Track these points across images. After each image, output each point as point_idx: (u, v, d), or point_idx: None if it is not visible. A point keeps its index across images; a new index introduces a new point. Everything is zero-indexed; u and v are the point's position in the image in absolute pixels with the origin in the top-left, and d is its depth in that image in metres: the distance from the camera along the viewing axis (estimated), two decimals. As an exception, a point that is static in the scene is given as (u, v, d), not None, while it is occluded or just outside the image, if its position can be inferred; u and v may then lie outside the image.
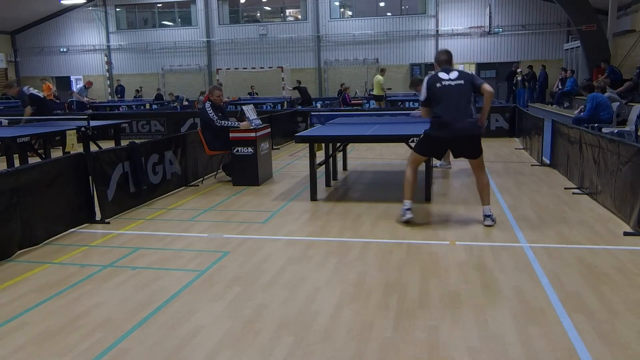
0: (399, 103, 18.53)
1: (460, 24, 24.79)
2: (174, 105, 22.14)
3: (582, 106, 11.33)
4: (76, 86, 22.75)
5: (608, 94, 10.23)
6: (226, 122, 7.79)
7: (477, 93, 5.32)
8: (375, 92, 18.10)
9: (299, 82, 22.11)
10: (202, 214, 6.24)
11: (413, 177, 5.53)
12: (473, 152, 5.38)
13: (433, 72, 5.49)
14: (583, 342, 3.03)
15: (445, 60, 5.44)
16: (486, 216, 5.43)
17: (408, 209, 5.49)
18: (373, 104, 19.12)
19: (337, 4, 26.64)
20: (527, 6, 24.15)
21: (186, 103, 22.29)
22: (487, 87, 5.25)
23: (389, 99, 18.62)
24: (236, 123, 7.86)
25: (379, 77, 17.97)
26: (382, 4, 26.29)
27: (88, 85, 21.03)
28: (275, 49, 26.80)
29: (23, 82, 29.79)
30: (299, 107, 18.15)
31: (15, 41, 29.83)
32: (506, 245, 4.82)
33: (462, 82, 5.25)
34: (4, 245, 4.69)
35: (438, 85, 5.26)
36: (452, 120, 5.16)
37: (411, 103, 17.55)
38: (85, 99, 19.97)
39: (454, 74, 5.31)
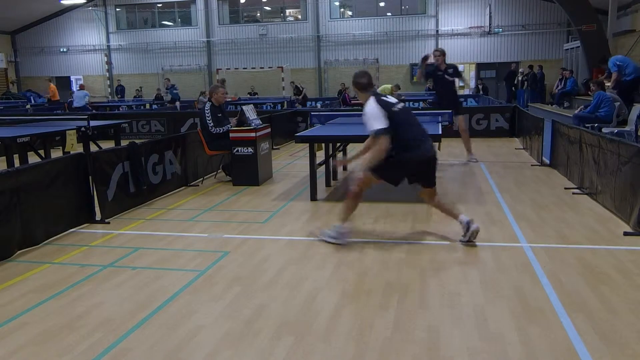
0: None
1: (460, 24, 24.80)
2: (166, 94, 21.74)
3: (582, 105, 11.34)
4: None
5: (609, 93, 10.23)
6: (220, 129, 7.80)
7: None
8: None
9: (293, 83, 22.31)
10: (202, 214, 6.24)
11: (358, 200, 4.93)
12: (433, 178, 4.93)
13: (376, 97, 4.78)
14: (583, 342, 3.03)
15: (370, 83, 4.88)
16: None
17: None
18: None
19: (337, 4, 26.66)
20: (527, 6, 24.16)
21: (178, 103, 21.99)
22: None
23: None
24: (229, 125, 7.87)
25: (386, 86, 16.88)
26: (382, 4, 26.30)
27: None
28: (275, 49, 26.81)
29: (23, 82, 29.91)
30: (300, 106, 18.11)
31: (15, 41, 29.84)
32: (506, 245, 4.82)
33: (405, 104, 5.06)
34: (4, 245, 4.69)
35: (394, 109, 4.72)
36: (425, 139, 4.81)
37: (411, 103, 17.51)
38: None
39: (392, 99, 4.93)
